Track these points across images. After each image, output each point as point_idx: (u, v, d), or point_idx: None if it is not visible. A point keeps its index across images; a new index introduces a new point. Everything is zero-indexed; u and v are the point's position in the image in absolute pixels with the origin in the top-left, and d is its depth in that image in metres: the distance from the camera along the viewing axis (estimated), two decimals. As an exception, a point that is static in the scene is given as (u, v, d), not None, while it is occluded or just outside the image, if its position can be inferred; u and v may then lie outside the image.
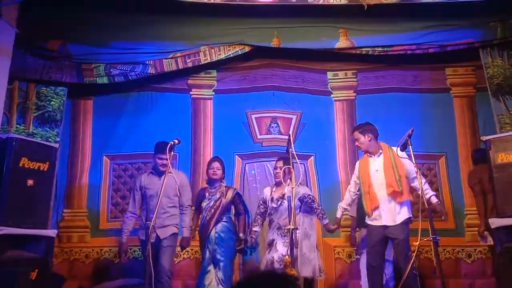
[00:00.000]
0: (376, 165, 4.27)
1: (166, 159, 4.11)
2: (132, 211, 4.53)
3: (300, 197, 4.42)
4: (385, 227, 4.14)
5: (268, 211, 4.53)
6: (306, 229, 4.42)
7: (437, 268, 3.54)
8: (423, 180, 4.18)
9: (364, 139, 4.30)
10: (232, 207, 4.69)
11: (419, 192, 4.03)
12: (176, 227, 4.45)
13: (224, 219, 4.55)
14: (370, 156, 4.33)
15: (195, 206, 4.71)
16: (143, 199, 4.50)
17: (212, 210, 4.53)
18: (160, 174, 4.43)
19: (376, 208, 4.17)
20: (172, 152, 4.04)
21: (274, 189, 4.55)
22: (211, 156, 5.39)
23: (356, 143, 4.38)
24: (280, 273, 1.59)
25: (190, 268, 5.14)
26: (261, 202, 4.63)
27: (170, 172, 4.04)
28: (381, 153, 4.27)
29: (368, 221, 4.25)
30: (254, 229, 4.55)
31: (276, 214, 4.44)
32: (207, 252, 4.47)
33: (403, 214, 4.13)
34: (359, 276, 4.78)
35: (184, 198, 4.50)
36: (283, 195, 4.37)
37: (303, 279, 4.28)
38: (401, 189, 4.09)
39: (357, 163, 4.50)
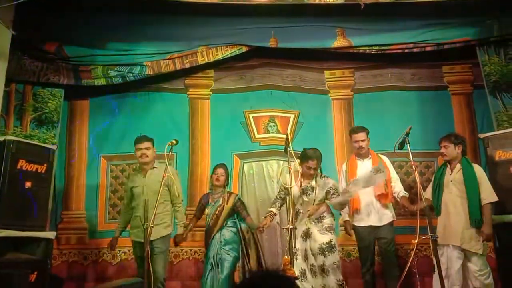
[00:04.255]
0: (364, 168, 4.37)
1: (145, 148, 4.26)
2: (128, 209, 4.45)
3: (328, 189, 4.31)
4: (372, 227, 4.33)
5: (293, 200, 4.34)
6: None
7: (437, 266, 3.56)
8: (396, 177, 4.43)
9: (367, 141, 4.45)
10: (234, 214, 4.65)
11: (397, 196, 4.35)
12: (168, 227, 4.32)
13: (229, 224, 4.56)
14: (359, 159, 4.46)
15: (196, 211, 4.71)
16: (131, 199, 4.39)
17: (215, 216, 4.53)
18: (144, 170, 4.36)
19: (357, 209, 4.35)
20: (171, 153, 4.05)
21: (302, 179, 4.35)
22: (209, 156, 5.41)
23: (361, 144, 4.41)
24: (280, 274, 1.59)
25: (189, 268, 5.14)
26: (282, 188, 4.48)
27: (156, 167, 4.12)
28: (370, 157, 4.41)
29: (354, 223, 4.41)
30: (271, 209, 4.44)
31: (304, 203, 4.31)
32: (211, 256, 4.45)
33: (388, 215, 4.35)
34: (357, 274, 4.81)
35: (174, 194, 4.37)
36: (312, 187, 4.31)
37: None
38: (387, 192, 4.31)
39: (344, 165, 4.63)
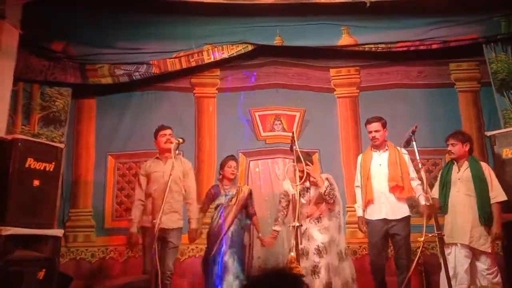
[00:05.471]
0: (380, 159, 4.30)
1: (169, 135, 4.23)
2: (140, 198, 4.34)
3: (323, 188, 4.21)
4: (386, 221, 4.17)
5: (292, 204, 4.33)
6: (332, 234, 4.16)
7: (443, 264, 3.55)
8: (418, 182, 4.23)
9: (383, 132, 4.32)
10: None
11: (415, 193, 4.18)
12: (180, 220, 4.32)
13: (239, 216, 4.48)
14: (375, 151, 4.36)
15: (205, 203, 4.61)
16: (148, 184, 4.33)
17: (230, 207, 4.44)
18: (165, 158, 4.34)
19: (370, 201, 4.22)
20: (177, 151, 4.04)
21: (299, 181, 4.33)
22: (215, 155, 5.42)
23: (374, 134, 4.30)
24: (288, 272, 1.60)
25: (196, 266, 5.13)
26: (282, 195, 4.42)
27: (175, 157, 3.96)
28: (387, 149, 4.31)
29: (367, 216, 4.27)
30: (275, 228, 4.38)
31: (302, 206, 4.23)
32: (227, 250, 4.35)
33: (404, 210, 4.19)
34: (364, 272, 4.80)
35: (189, 188, 4.39)
36: (307, 188, 4.27)
37: None
38: (403, 185, 4.16)
39: (359, 157, 4.52)
